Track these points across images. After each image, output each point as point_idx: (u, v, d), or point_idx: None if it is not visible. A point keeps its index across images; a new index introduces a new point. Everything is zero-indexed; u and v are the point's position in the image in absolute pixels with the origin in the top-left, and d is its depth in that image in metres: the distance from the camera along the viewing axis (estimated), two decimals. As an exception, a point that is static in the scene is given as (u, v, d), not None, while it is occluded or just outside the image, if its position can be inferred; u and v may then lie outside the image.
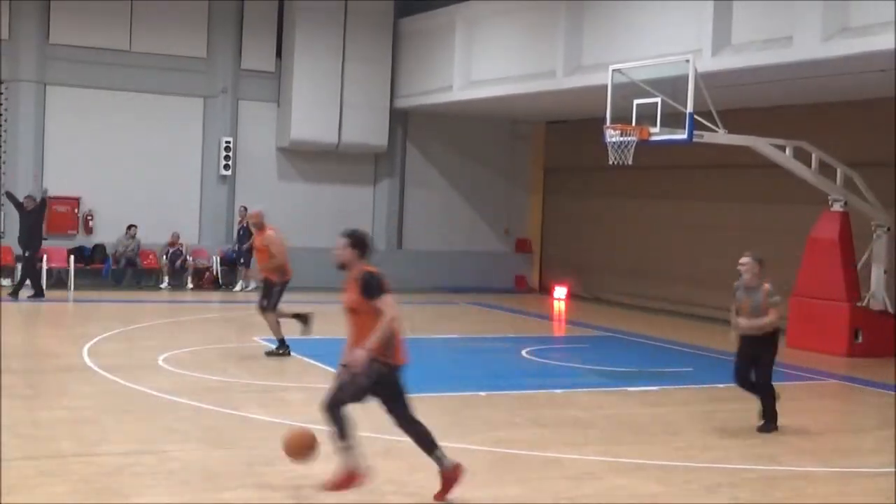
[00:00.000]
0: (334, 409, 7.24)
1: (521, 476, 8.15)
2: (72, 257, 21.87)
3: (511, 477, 8.12)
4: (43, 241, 20.06)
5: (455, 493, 7.42)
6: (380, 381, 7.19)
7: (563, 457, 8.80)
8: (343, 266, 7.45)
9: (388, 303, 7.28)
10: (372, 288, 7.12)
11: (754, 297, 9.99)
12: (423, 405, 10.96)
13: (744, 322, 9.95)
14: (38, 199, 19.87)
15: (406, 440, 9.15)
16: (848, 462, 9.26)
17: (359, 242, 7.42)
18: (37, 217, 19.63)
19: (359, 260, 7.35)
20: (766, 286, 9.99)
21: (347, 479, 7.22)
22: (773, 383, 10.33)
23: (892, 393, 12.70)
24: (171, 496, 7.19)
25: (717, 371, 14.32)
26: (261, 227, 13.93)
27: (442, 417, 10.25)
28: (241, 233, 22.87)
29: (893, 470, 8.73)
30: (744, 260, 10.16)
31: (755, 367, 10.12)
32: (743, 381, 10.24)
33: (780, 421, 11.00)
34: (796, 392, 13.55)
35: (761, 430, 10.09)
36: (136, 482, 7.45)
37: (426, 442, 7.34)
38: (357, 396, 7.26)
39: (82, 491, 7.20)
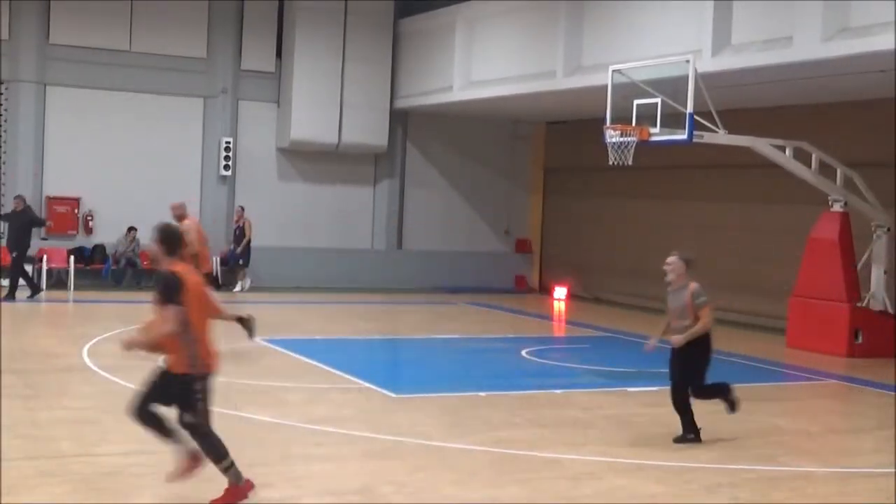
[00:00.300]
0: (142, 411, 7.12)
1: (520, 476, 8.14)
2: (72, 258, 21.86)
3: (511, 477, 8.11)
4: (31, 242, 19.90)
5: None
6: (177, 386, 7.05)
7: (563, 457, 8.79)
8: (154, 262, 7.26)
9: (168, 315, 6.97)
10: (163, 291, 6.94)
11: (679, 298, 9.47)
12: (423, 405, 11.00)
13: (675, 338, 9.35)
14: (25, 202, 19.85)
15: (406, 440, 9.17)
16: (848, 462, 9.26)
17: (167, 238, 7.22)
18: (25, 218, 19.56)
19: (166, 256, 7.16)
20: (693, 286, 9.49)
21: (191, 464, 7.11)
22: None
23: (892, 393, 12.69)
24: (170, 496, 7.19)
25: (718, 372, 14.33)
26: (181, 217, 13.72)
27: (442, 417, 10.26)
28: (237, 233, 22.87)
29: (893, 470, 8.73)
30: (669, 259, 9.64)
31: (688, 375, 9.41)
32: (676, 402, 9.48)
33: (779, 420, 11.02)
34: (796, 392, 13.56)
35: (678, 440, 9.41)
36: (135, 482, 7.45)
37: (215, 452, 7.07)
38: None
39: (82, 491, 7.20)
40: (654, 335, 10.02)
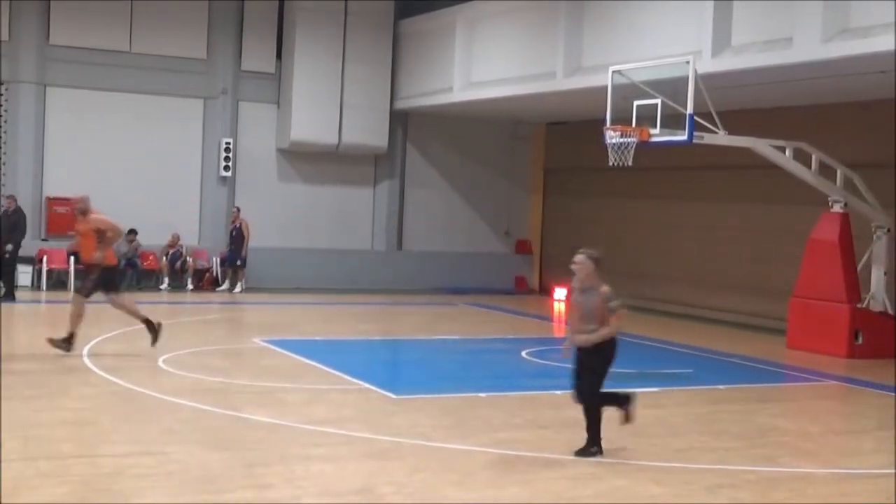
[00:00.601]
0: None
1: (521, 477, 8.14)
2: (72, 258, 21.83)
3: (511, 478, 8.11)
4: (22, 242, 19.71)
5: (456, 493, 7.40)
6: None
7: (564, 458, 8.79)
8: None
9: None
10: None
11: (588, 300, 8.78)
12: (423, 406, 10.99)
13: (580, 337, 8.78)
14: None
15: (406, 441, 9.16)
16: (848, 463, 9.26)
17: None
18: (14, 218, 19.45)
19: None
20: (604, 289, 8.75)
21: None
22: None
23: (893, 394, 12.69)
24: (170, 497, 7.18)
25: (717, 372, 14.35)
26: (85, 212, 13.41)
27: (442, 418, 10.25)
28: (234, 234, 22.85)
29: (893, 471, 8.73)
30: (577, 258, 8.86)
31: (586, 377, 8.90)
32: (580, 396, 8.97)
33: (779, 421, 11.02)
34: (796, 393, 13.57)
35: (579, 453, 8.81)
36: (135, 483, 7.44)
37: None
38: None
39: (82, 492, 7.19)
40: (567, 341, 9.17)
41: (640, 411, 11.12)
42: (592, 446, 8.84)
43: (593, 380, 8.84)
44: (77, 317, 13.24)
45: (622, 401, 9.11)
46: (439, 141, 25.68)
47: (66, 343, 13.13)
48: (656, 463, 8.76)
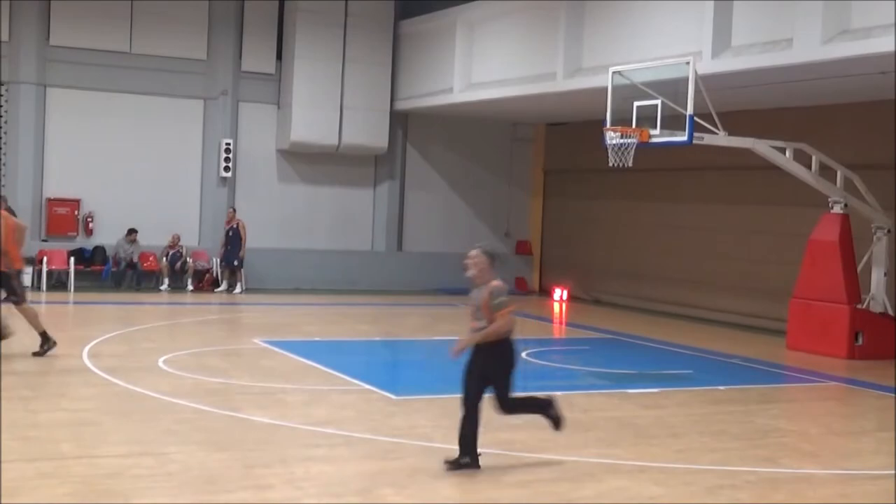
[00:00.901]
0: None
1: (521, 478, 8.14)
2: (72, 259, 21.87)
3: (511, 479, 8.11)
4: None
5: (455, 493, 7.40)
6: None
7: (564, 459, 8.78)
8: None
9: None
10: None
11: (477, 296, 8.24)
12: (423, 406, 10.99)
13: (461, 341, 8.23)
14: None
15: (406, 442, 9.16)
16: (848, 464, 9.26)
17: None
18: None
19: None
20: (494, 284, 8.18)
21: None
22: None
23: (893, 395, 12.69)
24: (170, 498, 7.18)
25: (717, 373, 14.35)
26: None
27: (442, 419, 10.24)
28: (230, 234, 22.82)
29: (894, 472, 8.72)
30: (472, 253, 8.27)
31: (492, 388, 8.28)
32: (465, 399, 8.28)
33: (779, 422, 11.02)
34: (796, 394, 13.57)
35: (451, 465, 8.15)
36: (135, 484, 7.44)
37: None
38: None
39: (82, 493, 7.19)
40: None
41: (640, 412, 11.16)
42: (464, 457, 8.16)
43: (501, 390, 8.24)
44: (34, 318, 13.12)
45: (543, 406, 8.65)
46: (439, 142, 25.68)
47: (46, 343, 13.07)
48: (657, 464, 8.75)
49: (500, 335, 8.17)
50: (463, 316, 21.73)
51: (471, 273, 8.25)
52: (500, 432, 9.75)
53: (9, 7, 21.53)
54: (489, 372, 8.20)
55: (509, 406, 8.37)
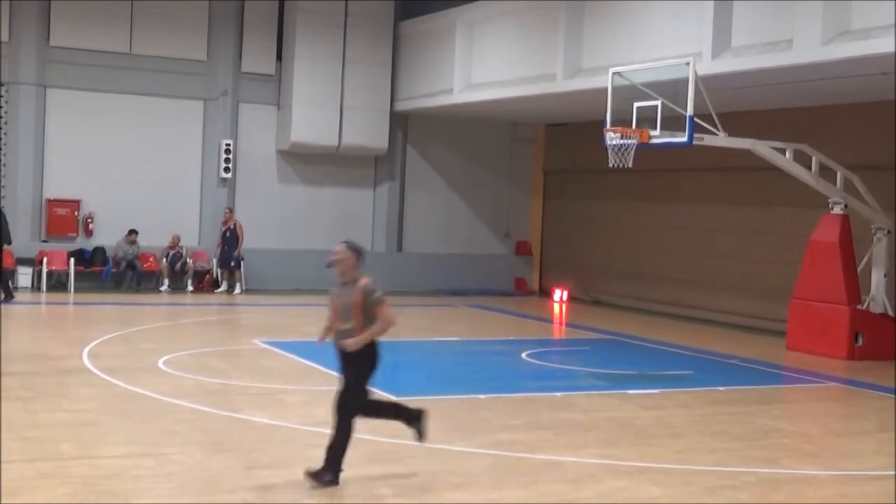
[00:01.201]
0: None
1: (521, 479, 8.14)
2: (72, 260, 21.86)
3: (511, 480, 8.11)
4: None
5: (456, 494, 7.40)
6: None
7: (564, 459, 8.79)
8: None
9: None
10: None
11: (346, 295, 7.76)
12: (423, 407, 10.98)
13: (349, 342, 7.67)
14: None
15: (407, 443, 9.16)
16: (848, 465, 9.26)
17: None
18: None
19: None
20: (364, 282, 7.74)
21: None
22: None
23: (893, 396, 12.69)
24: (170, 499, 7.18)
25: (717, 374, 14.35)
26: None
27: (442, 420, 10.24)
28: (227, 235, 22.80)
29: (894, 473, 8.72)
30: (336, 249, 7.86)
31: (345, 381, 7.83)
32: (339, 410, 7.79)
33: (780, 423, 11.01)
34: (796, 395, 13.56)
35: (315, 477, 7.55)
36: (135, 485, 7.44)
37: None
38: None
39: (82, 493, 7.20)
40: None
41: (640, 413, 11.15)
42: (327, 474, 7.54)
43: (354, 387, 7.76)
44: None
45: (407, 416, 8.11)
46: (439, 142, 25.68)
47: None
48: (657, 464, 8.75)
49: (387, 330, 7.75)
50: (462, 316, 21.72)
51: (335, 270, 7.83)
52: (500, 433, 9.76)
53: (9, 7, 21.54)
54: (351, 369, 7.76)
55: (370, 409, 7.88)
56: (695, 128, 14.63)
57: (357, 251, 7.84)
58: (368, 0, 23.86)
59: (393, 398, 8.23)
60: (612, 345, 17.42)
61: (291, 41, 23.44)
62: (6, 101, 21.89)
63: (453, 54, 22.15)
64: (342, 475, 7.60)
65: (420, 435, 8.15)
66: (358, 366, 7.75)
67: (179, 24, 22.93)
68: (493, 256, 26.25)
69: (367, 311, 7.63)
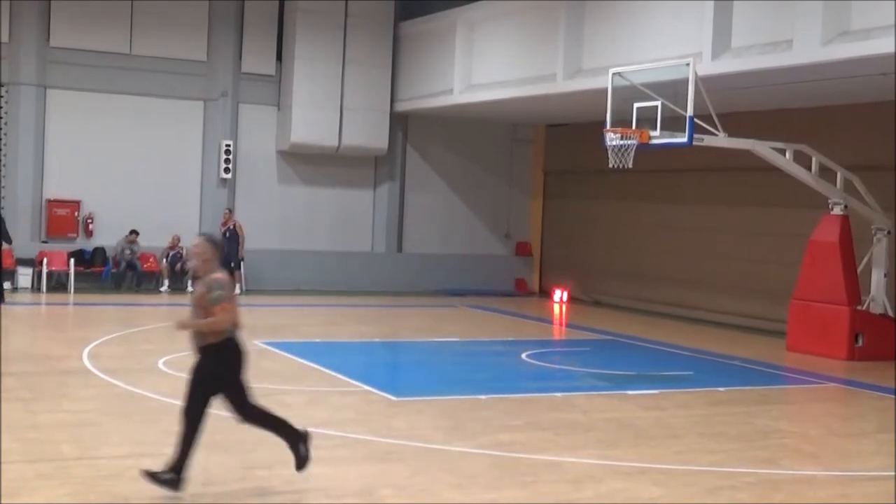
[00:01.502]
0: None
1: (521, 479, 8.14)
2: (72, 260, 21.86)
3: (511, 480, 8.11)
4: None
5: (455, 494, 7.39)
6: None
7: (564, 460, 8.79)
8: None
9: None
10: None
11: (197, 289, 7.43)
12: (423, 408, 10.99)
13: (178, 321, 7.46)
14: None
15: (406, 443, 9.16)
16: (848, 465, 9.26)
17: None
18: None
19: None
20: (213, 277, 7.32)
21: None
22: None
23: (893, 396, 12.69)
24: (170, 499, 7.18)
25: (717, 374, 14.35)
26: None
27: (442, 420, 10.25)
28: (227, 235, 22.78)
29: (894, 473, 8.73)
30: (196, 241, 7.51)
31: (224, 396, 7.42)
32: (186, 411, 7.36)
33: (779, 424, 11.01)
34: (796, 395, 13.56)
35: (150, 476, 7.25)
36: (135, 485, 7.43)
37: None
38: None
39: (82, 493, 7.20)
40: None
41: (639, 413, 11.15)
42: (169, 472, 7.24)
43: (235, 398, 7.40)
44: None
45: (290, 435, 7.63)
46: (439, 143, 25.68)
47: None
48: (656, 465, 8.75)
49: (217, 332, 7.28)
50: (462, 317, 21.73)
51: (193, 264, 7.50)
52: (500, 434, 9.76)
53: (9, 8, 21.54)
54: (215, 378, 7.35)
55: (248, 413, 7.49)
56: (695, 128, 14.64)
57: (215, 245, 7.48)
58: (368, 0, 23.87)
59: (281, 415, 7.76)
60: (612, 345, 17.43)
61: (291, 41, 23.45)
62: (6, 102, 21.87)
63: (453, 55, 22.16)
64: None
65: (301, 461, 7.58)
66: (201, 366, 7.39)
67: (179, 25, 22.93)
68: (493, 257, 26.26)
69: (207, 307, 7.25)
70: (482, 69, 21.45)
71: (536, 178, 26.87)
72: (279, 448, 7.79)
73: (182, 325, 7.44)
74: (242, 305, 21.47)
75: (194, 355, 7.48)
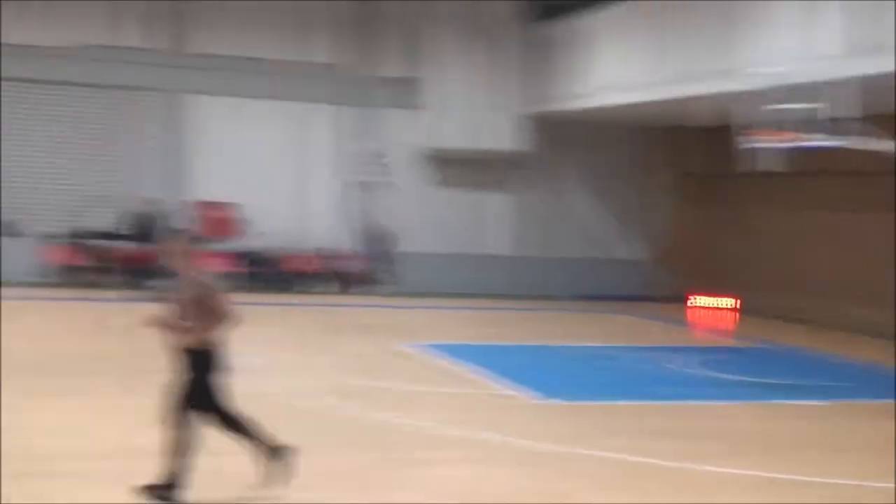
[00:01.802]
0: None
1: (662, 487, 8.08)
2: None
3: (650, 486, 8.07)
4: None
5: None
6: None
7: (708, 469, 8.67)
8: None
9: None
10: None
11: (182, 292, 7.17)
12: (568, 412, 10.92)
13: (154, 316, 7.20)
14: None
15: (556, 448, 9.18)
16: None
17: None
18: None
19: None
20: (199, 278, 7.17)
21: None
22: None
23: None
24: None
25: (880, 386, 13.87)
26: None
27: (585, 424, 10.24)
28: (373, 237, 23.23)
29: None
30: (171, 240, 7.50)
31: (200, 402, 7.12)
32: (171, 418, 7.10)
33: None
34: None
35: (148, 490, 6.97)
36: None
37: None
38: None
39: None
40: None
41: (793, 423, 10.79)
42: (167, 486, 6.95)
43: (203, 393, 7.10)
44: None
45: (261, 444, 7.28)
46: (576, 145, 25.19)
47: None
48: (790, 476, 8.57)
49: (207, 337, 7.06)
50: (602, 322, 21.35)
51: (170, 263, 7.27)
52: (638, 440, 9.63)
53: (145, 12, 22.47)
54: (192, 382, 7.07)
55: (229, 422, 7.23)
56: (843, 130, 14.19)
57: (192, 242, 7.40)
58: (505, 1, 23.88)
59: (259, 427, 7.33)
60: (763, 353, 17.01)
61: (426, 44, 23.72)
62: (162, 110, 22.74)
63: (590, 57, 21.99)
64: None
65: (272, 477, 7.25)
66: (196, 368, 7.12)
67: (313, 28, 23.51)
68: (629, 262, 25.77)
69: (199, 309, 7.05)
70: (618, 71, 21.17)
71: (676, 181, 26.17)
72: (403, 449, 7.80)
73: (158, 322, 7.12)
74: (380, 307, 21.35)
75: (177, 358, 7.12)
